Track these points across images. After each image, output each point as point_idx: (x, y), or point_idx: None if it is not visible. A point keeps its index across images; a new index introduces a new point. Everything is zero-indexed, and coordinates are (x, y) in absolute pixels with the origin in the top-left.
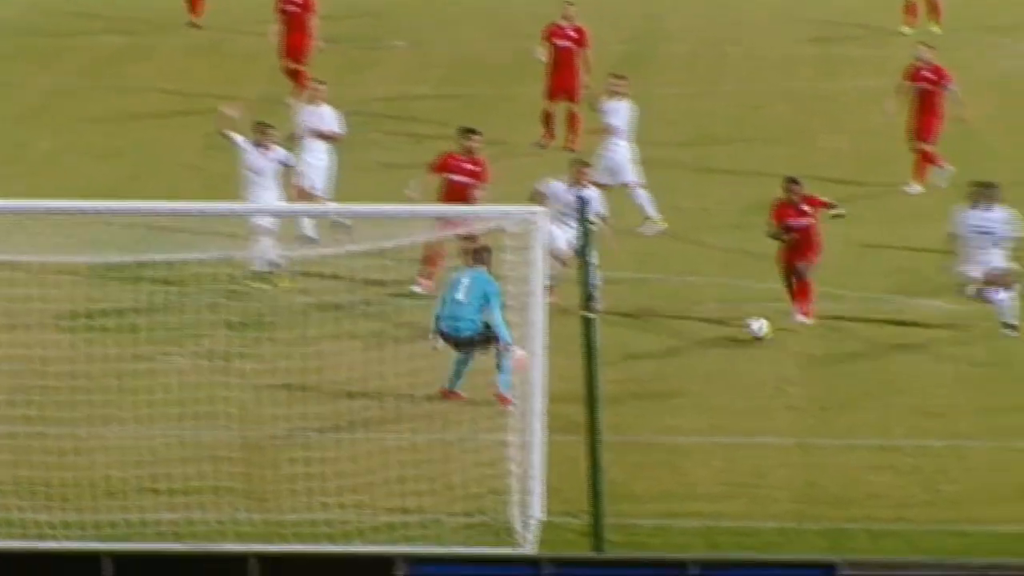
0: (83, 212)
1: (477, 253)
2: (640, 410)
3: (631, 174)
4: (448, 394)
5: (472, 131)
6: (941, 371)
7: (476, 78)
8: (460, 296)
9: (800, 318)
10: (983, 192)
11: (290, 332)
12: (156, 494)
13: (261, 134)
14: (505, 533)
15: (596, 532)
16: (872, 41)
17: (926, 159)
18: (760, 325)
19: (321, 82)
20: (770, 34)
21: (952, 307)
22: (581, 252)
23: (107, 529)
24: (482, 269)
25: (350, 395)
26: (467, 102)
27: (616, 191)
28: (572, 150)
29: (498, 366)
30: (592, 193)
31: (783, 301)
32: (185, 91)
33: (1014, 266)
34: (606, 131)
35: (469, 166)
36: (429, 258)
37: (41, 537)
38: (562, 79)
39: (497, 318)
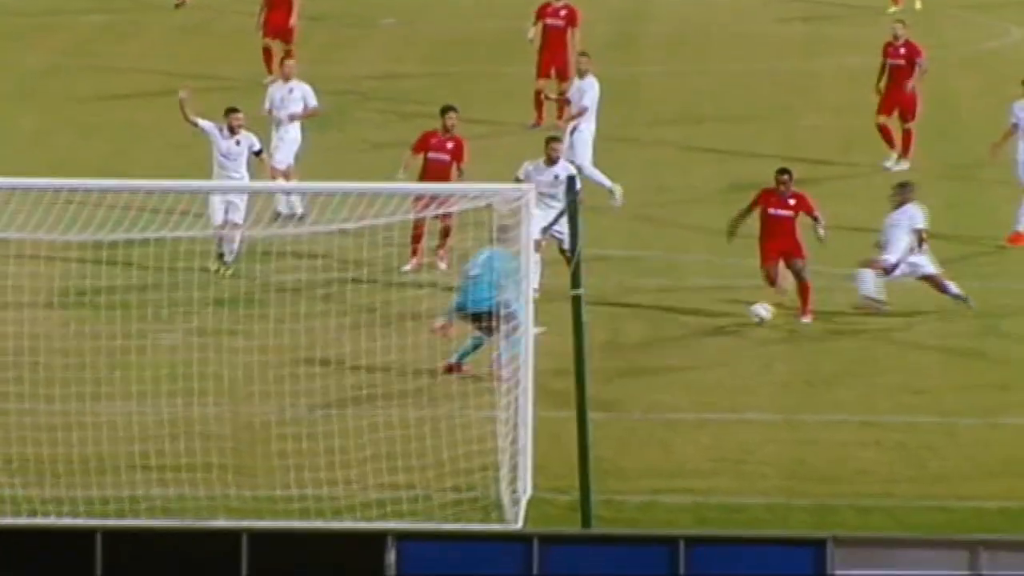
0: (72, 189)
1: (501, 230)
2: (628, 387)
3: (587, 157)
4: (452, 368)
5: (449, 108)
6: (926, 348)
7: (464, 57)
8: (475, 272)
9: (805, 319)
10: (898, 191)
11: (280, 310)
12: (148, 470)
13: (230, 119)
14: (494, 509)
15: (585, 508)
16: (857, 20)
17: (907, 138)
18: (766, 310)
19: (290, 58)
20: (755, 14)
21: None
22: (570, 226)
23: (99, 505)
24: (502, 247)
25: (340, 372)
26: (455, 80)
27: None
28: (560, 127)
29: (504, 340)
30: (568, 168)
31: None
32: (171, 71)
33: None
34: (579, 112)
35: (448, 144)
36: (418, 236)
37: (33, 513)
38: (552, 58)
39: (511, 295)
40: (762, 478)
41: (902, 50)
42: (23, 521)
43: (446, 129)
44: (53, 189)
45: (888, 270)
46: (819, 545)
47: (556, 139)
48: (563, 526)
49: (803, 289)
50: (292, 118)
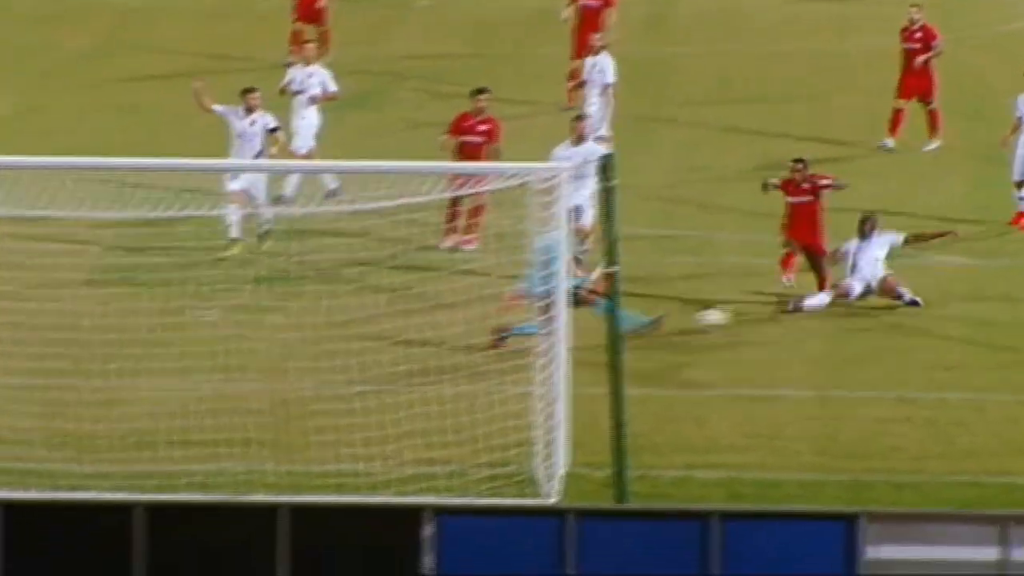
0: (111, 169)
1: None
2: (662, 364)
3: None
4: (497, 337)
5: (480, 90)
6: (956, 325)
7: (499, 37)
8: (534, 256)
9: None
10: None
11: (318, 287)
12: (187, 446)
13: (246, 98)
14: (530, 484)
15: (619, 483)
16: (890, 0)
17: (932, 118)
18: (718, 315)
19: (309, 41)
20: None
21: (968, 262)
22: (605, 205)
23: (138, 480)
24: (559, 232)
25: (377, 349)
26: (490, 61)
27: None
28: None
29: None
30: (597, 148)
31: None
32: (206, 52)
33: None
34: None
35: (481, 127)
36: (454, 214)
37: (74, 488)
38: (587, 38)
39: (556, 279)
40: (795, 454)
41: (918, 34)
42: (64, 495)
43: (478, 111)
44: (92, 168)
45: (848, 295)
46: (851, 520)
47: (583, 117)
48: (598, 501)
49: (821, 283)
50: (313, 100)
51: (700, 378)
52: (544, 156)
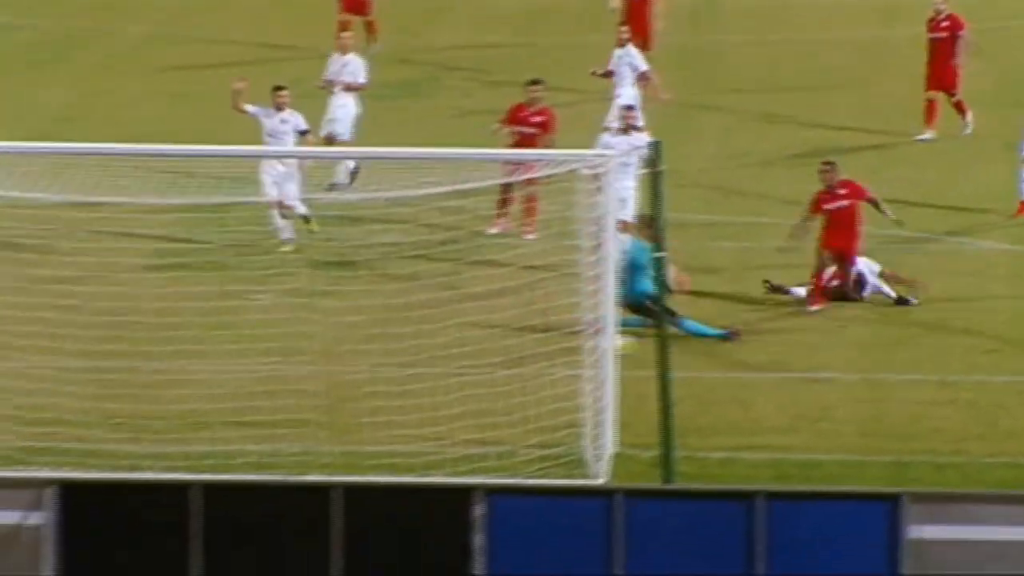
0: (169, 156)
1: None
2: (708, 347)
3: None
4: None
5: (534, 81)
6: (997, 310)
7: (548, 26)
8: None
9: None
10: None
11: (371, 272)
12: (243, 427)
13: (276, 96)
14: (578, 465)
15: (666, 464)
16: None
17: (958, 107)
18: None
19: (347, 31)
20: None
21: (1007, 247)
22: (652, 192)
23: (195, 461)
24: (632, 237)
25: (430, 332)
26: (539, 50)
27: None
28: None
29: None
30: (644, 138)
31: None
32: (259, 41)
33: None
34: (642, 78)
35: (536, 117)
36: (504, 201)
37: (131, 468)
38: (635, 27)
39: (642, 285)
40: (839, 435)
41: (944, 23)
42: (123, 475)
43: (532, 101)
44: (151, 155)
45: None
46: (894, 500)
47: (632, 107)
48: (645, 481)
49: (842, 282)
50: (349, 88)
51: (746, 361)
52: (591, 145)
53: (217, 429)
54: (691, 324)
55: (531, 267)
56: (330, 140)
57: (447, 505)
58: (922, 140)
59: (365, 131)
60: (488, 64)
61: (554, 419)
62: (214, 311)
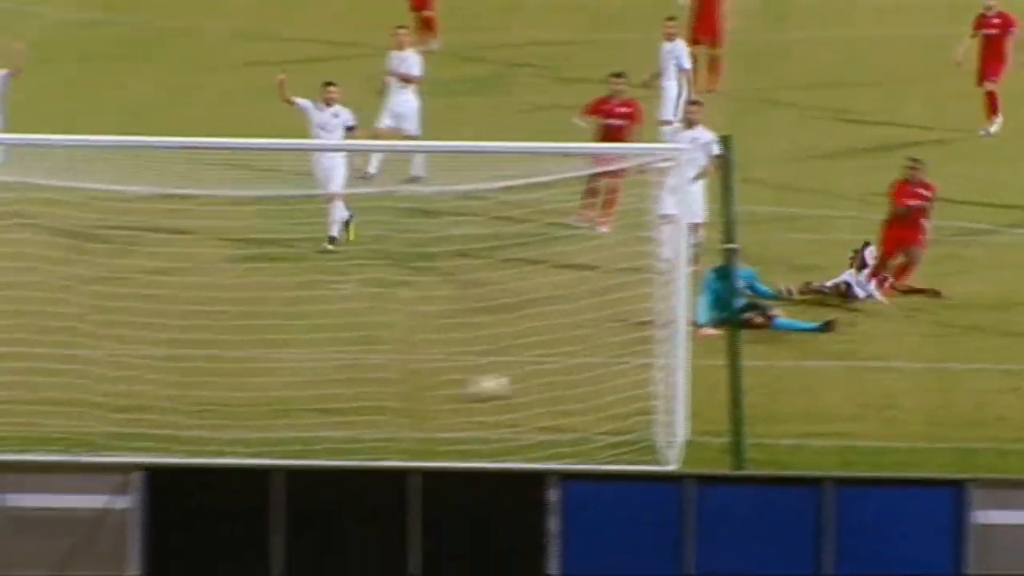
0: (251, 150)
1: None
2: (778, 337)
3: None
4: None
5: (617, 75)
6: None
7: (618, 24)
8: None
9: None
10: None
11: (447, 263)
12: (323, 414)
13: (325, 92)
14: (650, 451)
15: (737, 450)
16: None
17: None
18: (492, 384)
19: (403, 27)
20: None
21: None
22: (722, 186)
23: (276, 446)
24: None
25: (505, 321)
26: (610, 47)
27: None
28: (712, 91)
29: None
30: (708, 135)
31: None
32: (335, 39)
33: None
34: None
35: (621, 109)
36: (589, 192)
37: (215, 454)
38: (705, 24)
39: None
40: (905, 423)
41: (995, 20)
42: (207, 461)
43: (616, 93)
44: (234, 148)
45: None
46: (959, 486)
47: (696, 103)
48: (716, 468)
49: (908, 268)
50: (407, 81)
51: (814, 350)
52: (655, 140)
53: (298, 416)
54: (785, 321)
55: (604, 259)
56: (395, 134)
57: (522, 490)
58: (986, 134)
59: (437, 127)
60: (558, 60)
61: (626, 407)
62: (295, 301)
